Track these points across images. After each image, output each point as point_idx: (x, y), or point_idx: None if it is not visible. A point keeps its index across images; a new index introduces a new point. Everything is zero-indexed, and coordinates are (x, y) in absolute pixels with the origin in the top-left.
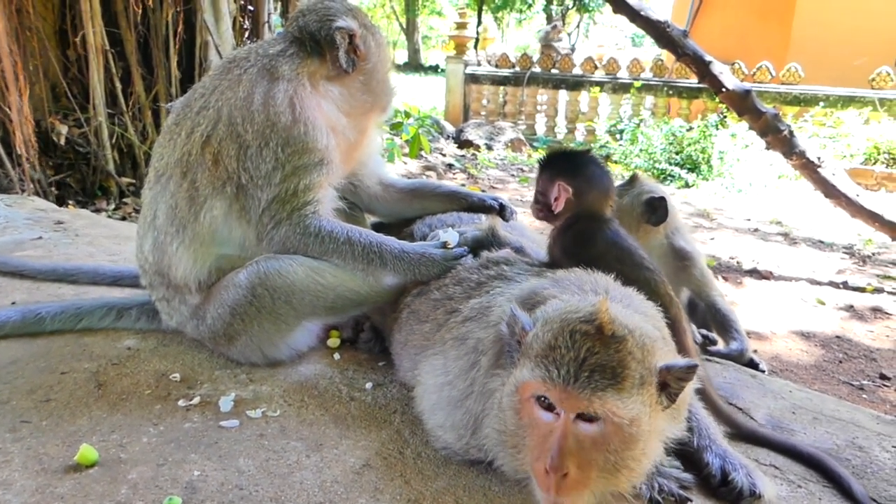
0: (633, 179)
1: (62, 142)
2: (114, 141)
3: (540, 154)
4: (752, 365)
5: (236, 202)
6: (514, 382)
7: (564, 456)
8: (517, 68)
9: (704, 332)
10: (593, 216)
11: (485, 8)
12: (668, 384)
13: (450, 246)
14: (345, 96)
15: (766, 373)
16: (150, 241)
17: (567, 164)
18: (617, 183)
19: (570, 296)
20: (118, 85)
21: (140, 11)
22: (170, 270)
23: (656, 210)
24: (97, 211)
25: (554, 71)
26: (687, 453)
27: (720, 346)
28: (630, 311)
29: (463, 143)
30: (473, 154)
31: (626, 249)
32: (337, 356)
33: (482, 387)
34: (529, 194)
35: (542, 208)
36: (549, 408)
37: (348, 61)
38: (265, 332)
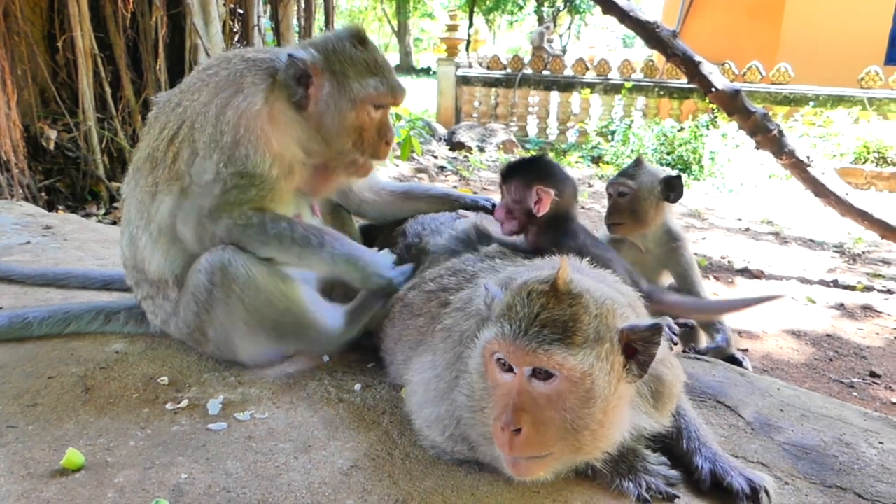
0: (639, 162)
1: (51, 146)
2: (103, 145)
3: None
4: (735, 361)
5: (181, 203)
6: (478, 345)
7: (518, 412)
8: (508, 70)
9: (683, 320)
10: (567, 215)
11: (476, 10)
12: (636, 350)
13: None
14: (304, 131)
15: (751, 370)
16: (127, 236)
17: (537, 169)
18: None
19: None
20: (107, 89)
21: (129, 15)
22: (145, 265)
23: (674, 188)
24: (87, 216)
25: (545, 72)
26: (676, 455)
27: (705, 342)
28: (595, 283)
29: (455, 145)
30: (465, 156)
31: (599, 240)
32: (326, 358)
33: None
34: None
35: (520, 217)
36: (509, 369)
37: (295, 93)
38: (226, 328)
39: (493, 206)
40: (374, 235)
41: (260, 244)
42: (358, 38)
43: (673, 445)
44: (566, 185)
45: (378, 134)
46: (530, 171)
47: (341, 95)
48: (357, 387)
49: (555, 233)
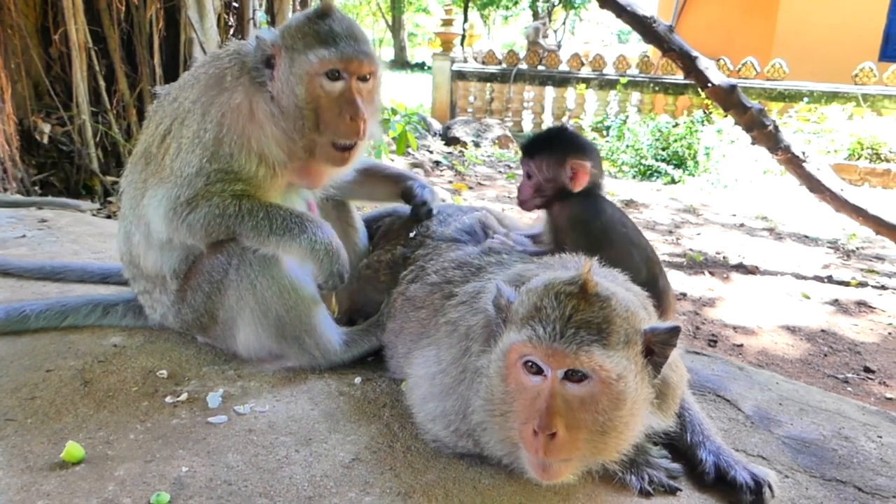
0: None
1: (45, 140)
2: (97, 139)
3: None
4: None
5: (155, 192)
6: (501, 348)
7: (553, 416)
8: (504, 65)
9: None
10: (591, 190)
11: (471, 5)
12: (653, 350)
13: None
14: (278, 123)
15: None
16: (122, 231)
17: (567, 142)
18: None
19: (554, 271)
20: (102, 83)
21: (123, 8)
22: (140, 261)
23: None
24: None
25: (540, 68)
26: (680, 448)
27: None
28: (614, 285)
29: (450, 141)
30: (461, 151)
31: (625, 214)
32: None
33: (473, 372)
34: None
35: (551, 194)
36: (537, 371)
37: (259, 73)
38: (234, 312)
39: (430, 210)
40: (375, 229)
41: (238, 235)
42: (320, 11)
43: (676, 439)
44: (597, 155)
45: (339, 109)
46: (560, 144)
47: (291, 72)
48: (357, 380)
49: (582, 209)
